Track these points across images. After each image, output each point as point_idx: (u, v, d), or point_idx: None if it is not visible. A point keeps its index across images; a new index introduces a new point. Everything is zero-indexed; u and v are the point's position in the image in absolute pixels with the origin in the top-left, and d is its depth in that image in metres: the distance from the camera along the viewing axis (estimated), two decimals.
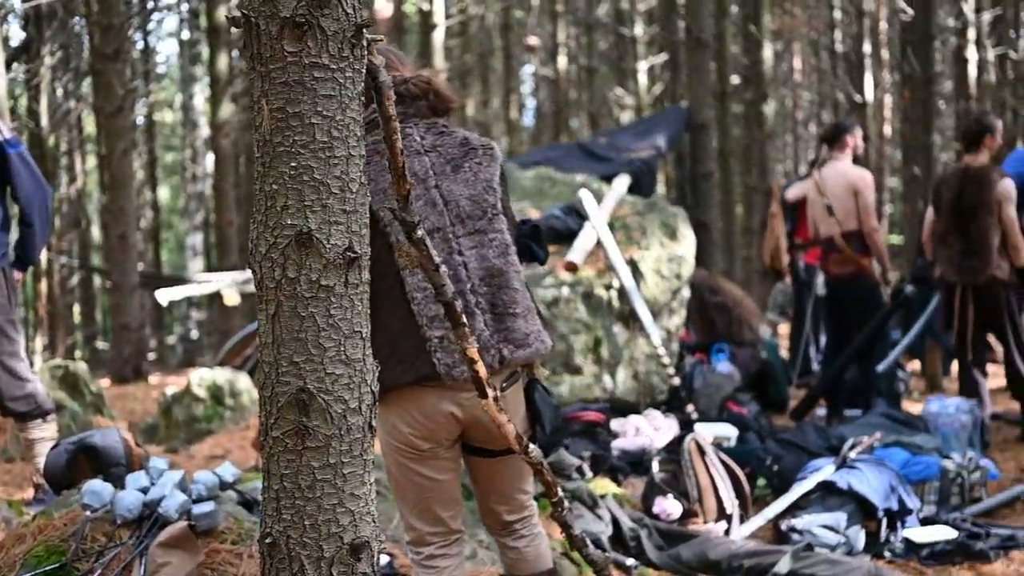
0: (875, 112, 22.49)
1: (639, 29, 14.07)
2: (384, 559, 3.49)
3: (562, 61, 15.15)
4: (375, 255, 2.09)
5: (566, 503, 2.90)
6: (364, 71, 1.99)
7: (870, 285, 7.02)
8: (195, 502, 3.18)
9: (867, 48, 15.14)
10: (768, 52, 11.93)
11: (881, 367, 7.19)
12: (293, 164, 1.89)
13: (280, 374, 1.95)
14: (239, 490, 3.50)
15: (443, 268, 2.43)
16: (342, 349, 1.96)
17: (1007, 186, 6.09)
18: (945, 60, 19.84)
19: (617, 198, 6.82)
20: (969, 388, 6.51)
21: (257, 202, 1.95)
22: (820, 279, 7.29)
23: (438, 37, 8.23)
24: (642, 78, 14.35)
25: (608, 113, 15.79)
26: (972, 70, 15.30)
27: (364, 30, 1.96)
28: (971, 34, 15.13)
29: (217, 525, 3.15)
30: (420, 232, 2.37)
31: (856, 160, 7.25)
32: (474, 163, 2.79)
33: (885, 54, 21.09)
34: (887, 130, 24.45)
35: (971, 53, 15.05)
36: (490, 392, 2.62)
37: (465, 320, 2.51)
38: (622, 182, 7.14)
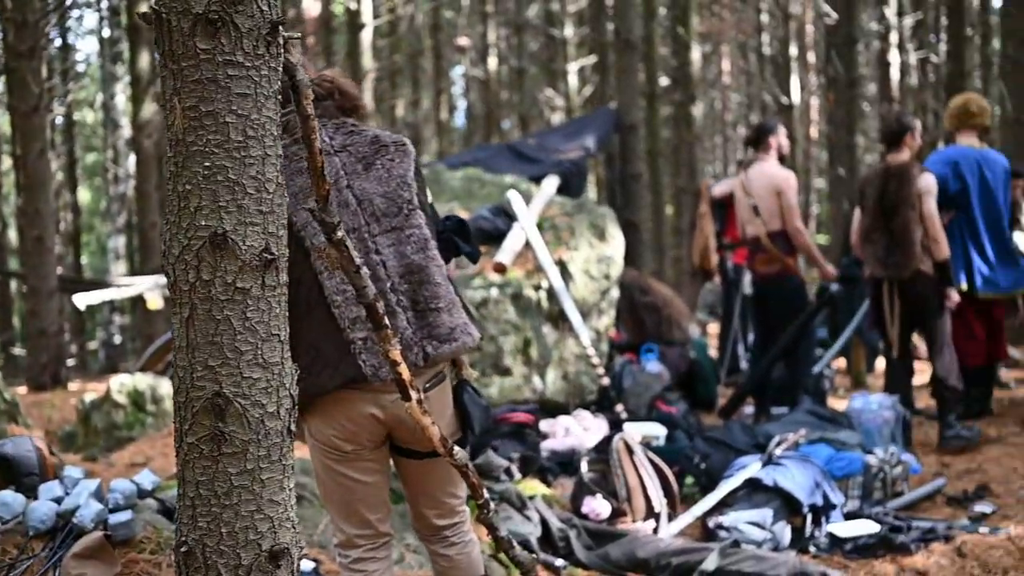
0: (802, 114, 22.87)
1: (569, 31, 14.11)
2: (308, 565, 3.43)
3: (493, 62, 15.14)
4: (290, 259, 2.06)
5: (492, 505, 2.90)
6: (280, 69, 1.95)
7: (795, 284, 7.11)
8: (112, 511, 3.10)
9: (793, 51, 15.37)
10: (696, 54, 12.02)
11: (816, 368, 7.30)
12: (207, 164, 1.85)
13: (195, 378, 1.90)
14: (159, 498, 3.42)
15: (363, 269, 2.40)
16: (259, 352, 1.92)
17: (928, 180, 6.21)
18: (869, 63, 20.25)
19: (546, 199, 6.82)
20: (895, 384, 6.62)
21: (170, 203, 1.90)
22: (747, 278, 7.39)
23: (366, 37, 8.12)
24: (572, 79, 14.37)
25: (539, 114, 15.79)
26: (895, 73, 15.61)
27: (280, 27, 1.93)
28: (893, 38, 15.42)
29: (135, 534, 3.07)
30: (340, 233, 2.34)
31: (782, 160, 7.35)
32: (386, 160, 2.77)
33: (812, 57, 21.45)
34: (814, 132, 24.88)
35: (894, 56, 15.35)
36: (413, 395, 2.60)
37: (387, 321, 2.49)
38: (551, 183, 7.15)
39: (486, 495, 2.84)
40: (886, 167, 6.39)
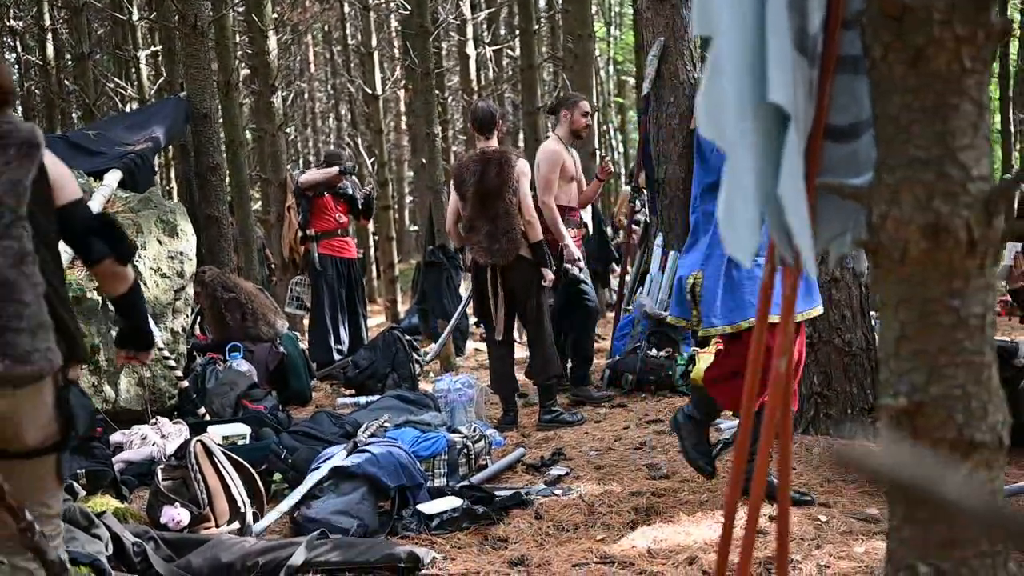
0: (389, 105, 23.33)
1: (136, 14, 13.35)
2: None
3: (51, 47, 13.98)
4: None
5: (45, 529, 2.75)
6: None
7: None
8: None
9: (375, 42, 15.59)
10: (273, 43, 11.80)
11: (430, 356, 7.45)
12: None
13: None
14: None
15: None
16: None
17: (524, 165, 6.43)
18: (451, 55, 21.05)
19: (108, 194, 6.37)
20: (496, 367, 6.74)
21: None
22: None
23: None
24: (144, 67, 13.63)
25: (110, 104, 14.86)
26: (473, 65, 16.30)
27: None
28: (469, 31, 16.08)
29: None
30: None
31: (578, 137, 7.30)
32: (1, 164, 2.60)
33: (397, 50, 21.92)
34: (402, 123, 25.49)
35: (471, 49, 16.01)
36: None
37: None
38: (113, 177, 6.68)
39: (28, 517, 2.65)
40: (481, 153, 6.46)
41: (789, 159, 1.86)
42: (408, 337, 8.41)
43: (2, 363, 2.53)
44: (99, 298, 5.71)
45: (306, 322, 10.86)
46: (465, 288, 10.95)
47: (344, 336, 9.14)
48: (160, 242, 6.21)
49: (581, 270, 7.15)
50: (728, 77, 1.86)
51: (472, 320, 10.13)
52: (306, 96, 27.36)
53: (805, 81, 1.94)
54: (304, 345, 8.82)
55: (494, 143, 6.50)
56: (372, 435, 5.07)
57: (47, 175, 2.71)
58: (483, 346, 10.79)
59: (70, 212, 2.80)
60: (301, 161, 27.48)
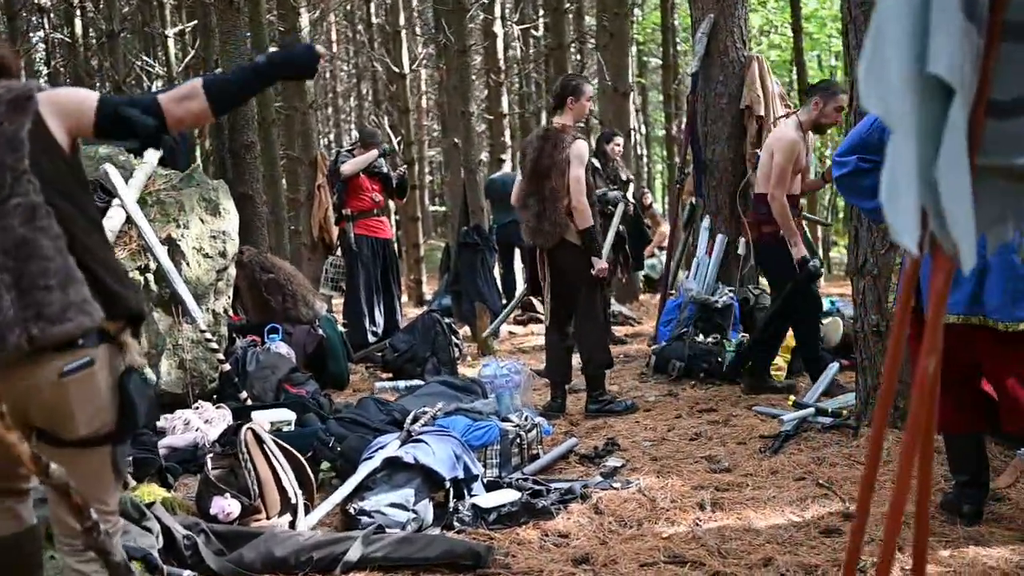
0: (412, 84, 23.09)
1: None
2: None
3: (79, 24, 13.80)
4: None
5: (102, 527, 2.58)
6: None
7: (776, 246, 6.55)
8: None
9: (403, 20, 15.38)
10: (305, 20, 11.61)
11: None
12: None
13: None
14: None
15: None
16: None
17: (579, 146, 6.04)
18: (473, 34, 20.80)
19: (149, 172, 6.18)
20: (549, 360, 6.53)
21: None
22: None
23: None
24: (172, 44, 13.46)
25: (137, 82, 14.73)
26: (500, 44, 16.08)
27: None
28: (497, 10, 15.87)
29: None
30: None
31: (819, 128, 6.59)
32: None
33: (418, 28, 21.68)
34: (424, 102, 25.24)
35: (498, 28, 15.79)
36: None
37: None
38: (153, 155, 6.50)
39: (93, 516, 2.51)
40: (546, 130, 6.22)
41: (951, 138, 1.66)
42: (447, 320, 8.22)
43: (36, 326, 2.41)
44: (141, 278, 5.55)
45: (336, 303, 10.71)
46: (499, 270, 10.78)
47: (379, 318, 8.96)
48: (202, 221, 6.02)
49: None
50: (891, 44, 1.65)
51: (503, 302, 9.97)
52: (328, 75, 27.13)
53: (973, 50, 1.73)
54: (342, 327, 8.62)
55: (563, 119, 6.16)
56: (424, 424, 4.87)
57: (44, 122, 2.56)
58: (518, 329, 10.61)
59: (103, 127, 2.63)
60: (323, 140, 27.29)
